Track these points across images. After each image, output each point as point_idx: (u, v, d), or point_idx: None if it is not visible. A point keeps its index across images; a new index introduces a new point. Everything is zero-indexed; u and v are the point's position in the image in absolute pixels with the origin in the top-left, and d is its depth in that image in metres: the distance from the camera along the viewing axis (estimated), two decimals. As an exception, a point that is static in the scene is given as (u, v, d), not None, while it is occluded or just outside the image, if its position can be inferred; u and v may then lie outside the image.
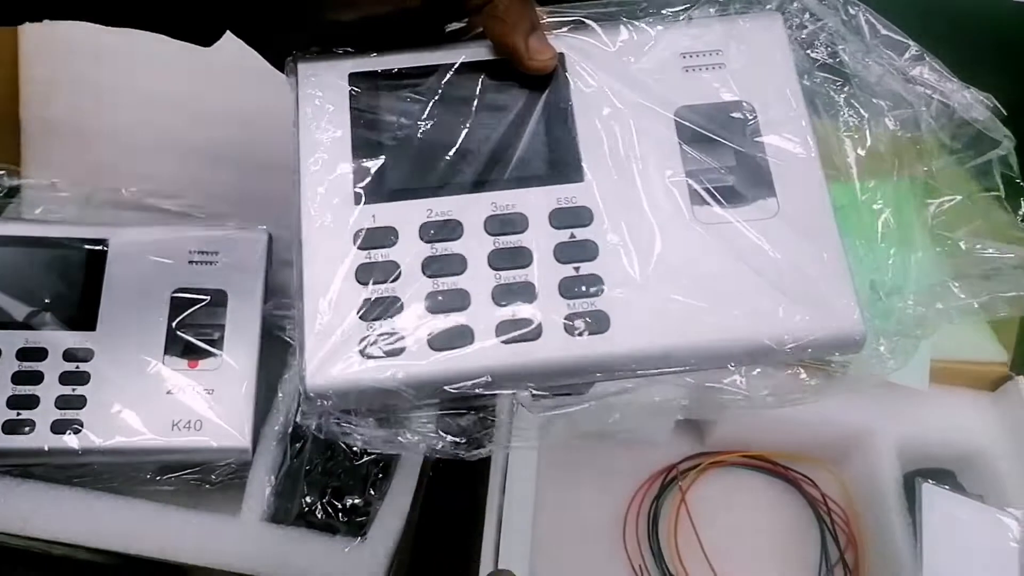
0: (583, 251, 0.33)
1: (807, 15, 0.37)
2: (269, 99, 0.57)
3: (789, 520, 0.60)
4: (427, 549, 0.56)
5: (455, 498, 0.56)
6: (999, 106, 0.38)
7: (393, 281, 0.32)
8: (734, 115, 0.35)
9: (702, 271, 0.33)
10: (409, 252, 0.32)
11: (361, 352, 0.31)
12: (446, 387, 0.31)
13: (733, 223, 0.33)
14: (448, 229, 0.33)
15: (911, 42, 0.37)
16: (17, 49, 0.59)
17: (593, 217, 0.33)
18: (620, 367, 0.32)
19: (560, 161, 0.34)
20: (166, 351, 0.51)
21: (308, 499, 0.50)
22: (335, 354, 0.31)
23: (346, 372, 0.31)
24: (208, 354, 0.52)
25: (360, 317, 0.31)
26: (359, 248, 0.32)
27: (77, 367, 0.50)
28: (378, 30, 0.34)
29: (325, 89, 0.34)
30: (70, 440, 0.49)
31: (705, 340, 0.32)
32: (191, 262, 0.53)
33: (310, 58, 0.35)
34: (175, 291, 0.52)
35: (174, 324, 0.52)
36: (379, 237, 0.32)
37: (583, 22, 0.36)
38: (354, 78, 0.34)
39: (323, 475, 0.51)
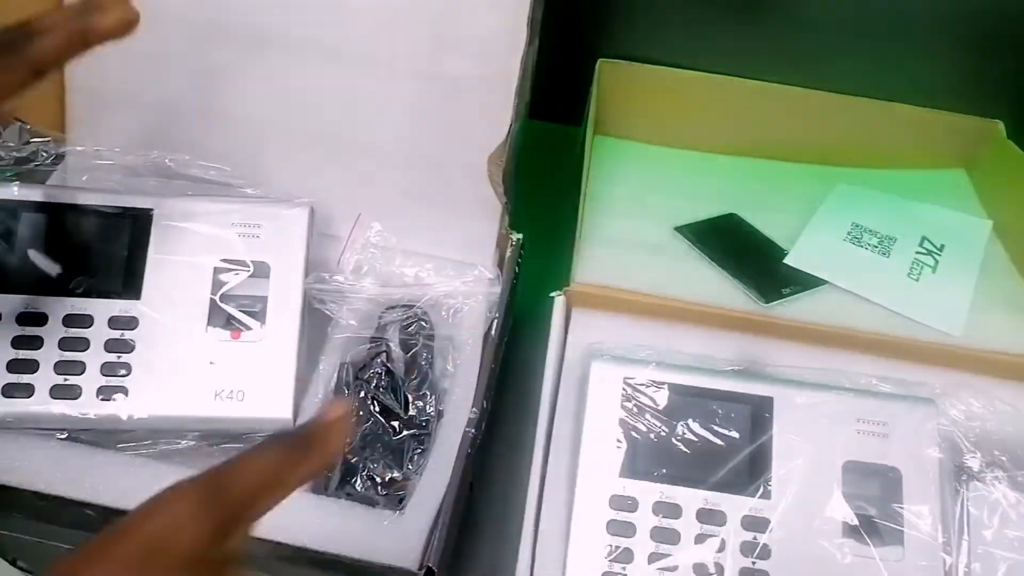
0: (761, 551, 0.46)
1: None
2: (326, 76, 0.57)
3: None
4: (476, 525, 0.56)
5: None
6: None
7: (630, 537, 0.46)
8: (886, 475, 0.47)
9: None
10: (643, 519, 0.47)
11: None
12: None
13: (872, 559, 0.46)
14: (671, 510, 0.47)
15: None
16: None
17: (771, 527, 0.46)
18: None
19: (755, 480, 0.47)
20: (209, 322, 0.52)
21: (347, 471, 0.50)
22: None
23: None
24: (250, 325, 0.52)
25: (606, 557, 0.46)
26: (610, 507, 0.47)
27: (122, 335, 0.51)
28: None
29: (608, 388, 0.48)
30: (115, 407, 0.50)
31: None
32: (235, 234, 0.53)
33: (601, 360, 0.50)
34: (219, 262, 0.53)
35: (217, 295, 0.52)
36: (625, 504, 0.47)
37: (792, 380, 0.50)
38: (626, 385, 0.49)
39: (362, 448, 0.51)
